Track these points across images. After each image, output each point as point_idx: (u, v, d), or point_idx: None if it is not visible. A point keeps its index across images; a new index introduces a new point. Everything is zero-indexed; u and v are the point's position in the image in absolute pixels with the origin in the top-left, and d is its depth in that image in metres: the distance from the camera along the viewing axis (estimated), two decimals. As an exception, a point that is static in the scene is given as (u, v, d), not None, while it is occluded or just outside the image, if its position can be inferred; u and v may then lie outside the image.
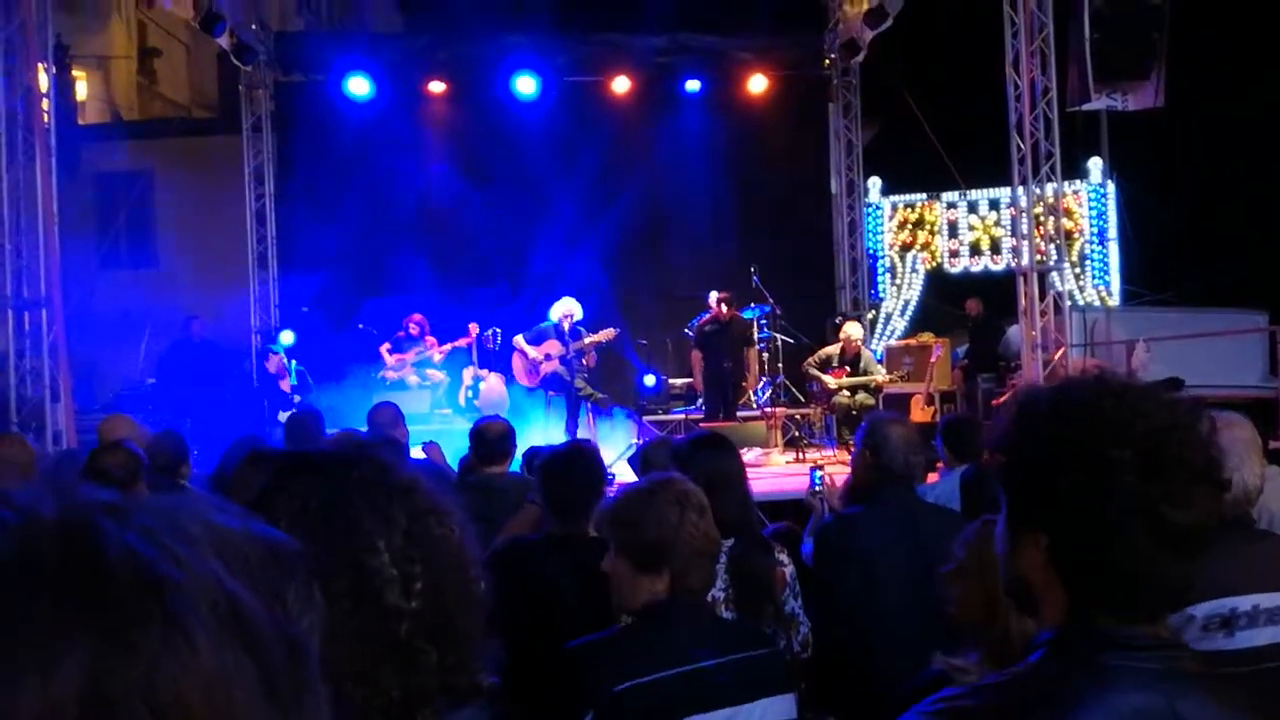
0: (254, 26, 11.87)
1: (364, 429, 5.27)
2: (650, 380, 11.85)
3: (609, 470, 3.59)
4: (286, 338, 11.41)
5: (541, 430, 9.20)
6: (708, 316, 10.58)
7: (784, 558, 3.27)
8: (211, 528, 0.51)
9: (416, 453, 5.50)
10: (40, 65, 8.15)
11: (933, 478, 4.86)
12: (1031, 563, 1.19)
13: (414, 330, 11.17)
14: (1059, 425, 1.18)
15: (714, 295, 10.81)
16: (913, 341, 11.82)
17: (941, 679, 1.92)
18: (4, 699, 0.42)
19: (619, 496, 2.37)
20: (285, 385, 10.80)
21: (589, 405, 9.95)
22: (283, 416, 10.30)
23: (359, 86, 12.22)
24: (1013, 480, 1.24)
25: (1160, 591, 1.16)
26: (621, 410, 10.48)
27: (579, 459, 3.27)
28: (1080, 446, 1.15)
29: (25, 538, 0.46)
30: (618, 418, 10.23)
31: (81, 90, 15.19)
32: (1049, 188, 9.39)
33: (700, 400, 11.08)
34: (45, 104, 8.19)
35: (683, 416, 10.98)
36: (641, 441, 8.07)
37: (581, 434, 9.11)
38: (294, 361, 11.11)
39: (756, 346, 11.27)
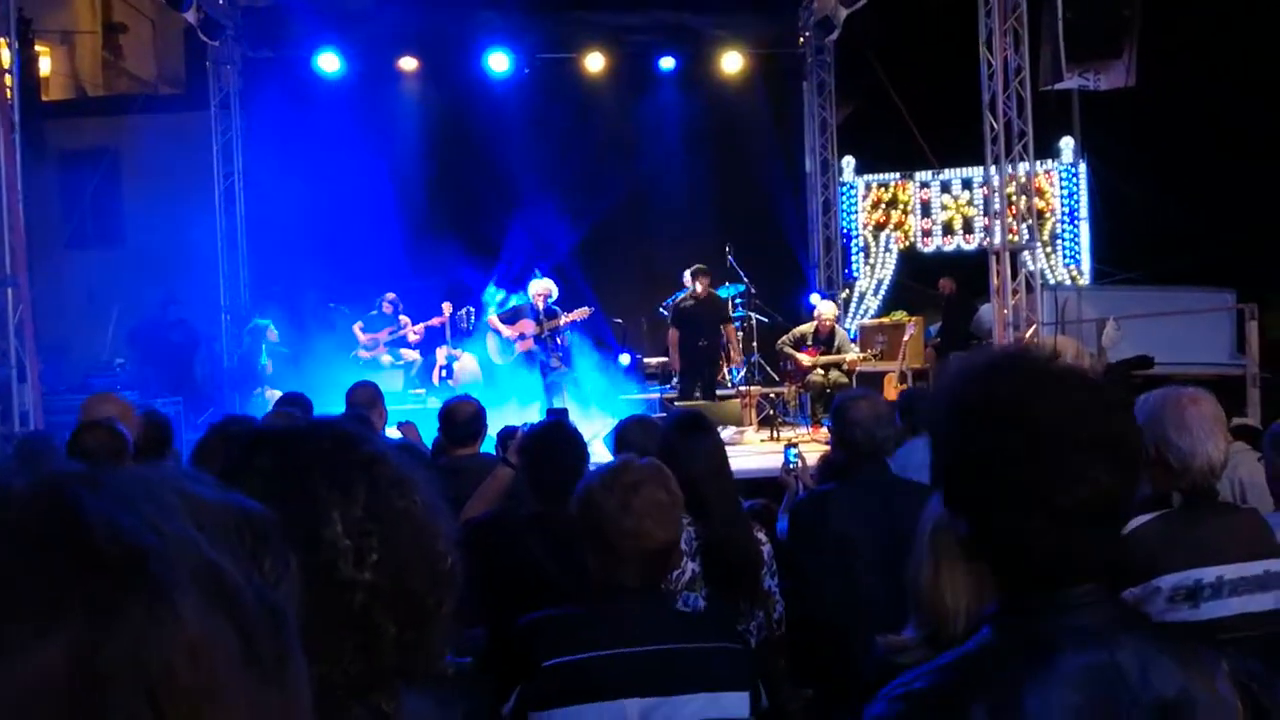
0: (221, 1, 11.68)
1: (340, 409, 5.23)
2: (625, 359, 11.84)
3: (588, 448, 3.58)
4: (258, 318, 11.29)
5: (516, 410, 9.18)
6: (685, 294, 10.50)
7: (762, 536, 3.29)
8: (187, 496, 0.50)
9: (392, 433, 5.47)
10: (2, 40, 7.99)
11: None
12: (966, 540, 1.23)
13: (387, 309, 11.11)
14: (957, 410, 1.22)
15: (689, 273, 10.79)
16: (886, 320, 11.88)
17: (883, 661, 1.95)
18: None
19: (583, 483, 2.35)
20: (263, 367, 10.68)
21: (563, 384, 9.94)
22: (269, 394, 10.21)
23: (329, 63, 12.08)
24: (935, 462, 1.28)
25: (1062, 564, 1.18)
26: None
27: (558, 437, 3.26)
28: (976, 428, 1.19)
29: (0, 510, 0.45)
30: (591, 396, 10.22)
31: (45, 66, 14.89)
32: (1021, 167, 9.44)
33: (675, 380, 11.01)
34: (8, 80, 8.03)
35: (658, 395, 10.99)
36: (616, 421, 8.06)
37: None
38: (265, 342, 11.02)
39: (734, 324, 11.19)
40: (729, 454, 3.50)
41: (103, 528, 0.45)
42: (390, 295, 11.14)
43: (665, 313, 11.04)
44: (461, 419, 4.56)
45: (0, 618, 0.42)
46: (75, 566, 0.44)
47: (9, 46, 8.14)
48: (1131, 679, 1.14)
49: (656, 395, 11.03)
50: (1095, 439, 1.15)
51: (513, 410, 8.99)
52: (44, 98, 13.97)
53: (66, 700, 0.41)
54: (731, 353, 10.81)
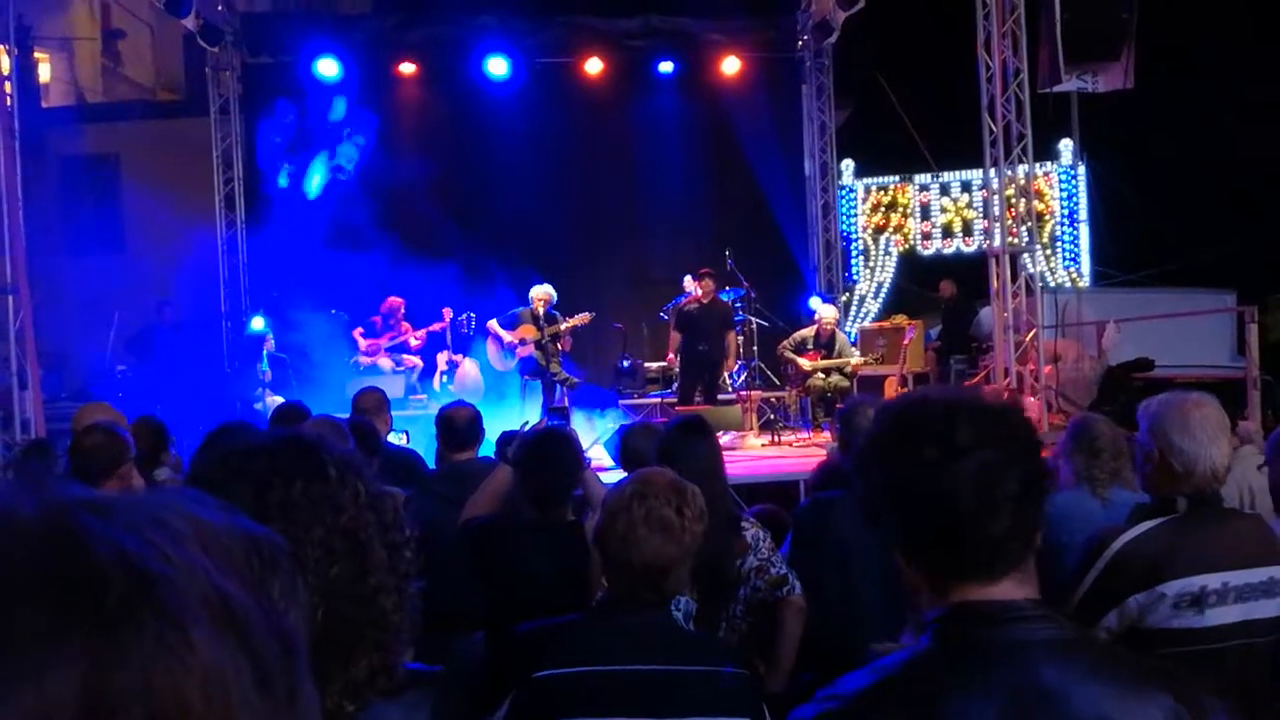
0: (220, 7, 11.69)
1: (343, 414, 5.23)
2: (625, 364, 11.83)
3: (585, 454, 3.58)
4: (257, 323, 11.29)
5: (516, 415, 9.18)
6: (689, 298, 10.46)
7: (747, 524, 3.29)
8: (196, 522, 0.50)
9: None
10: (1, 48, 7.99)
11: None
12: (904, 567, 1.26)
13: (387, 315, 11.10)
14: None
15: (689, 276, 10.78)
16: (886, 324, 11.88)
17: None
18: None
19: (607, 495, 2.32)
20: (262, 374, 10.69)
21: (564, 389, 9.94)
22: (269, 400, 10.21)
23: (328, 68, 12.08)
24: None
25: (977, 545, 1.20)
26: (597, 391, 10.43)
27: (554, 445, 3.25)
28: (887, 450, 1.26)
29: (6, 540, 0.44)
30: (593, 400, 10.21)
31: (45, 73, 14.91)
32: (1020, 169, 9.44)
33: (675, 384, 10.96)
34: (7, 87, 8.04)
35: (659, 400, 10.98)
36: (618, 425, 8.06)
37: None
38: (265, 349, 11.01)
39: (735, 331, 11.09)
40: (729, 459, 3.51)
41: (110, 554, 0.44)
42: (390, 301, 11.13)
43: (666, 317, 11.02)
44: (459, 425, 4.60)
45: (7, 648, 0.41)
46: (83, 594, 0.43)
47: (8, 54, 8.15)
48: (1053, 699, 1.11)
49: (657, 400, 11.02)
50: (1007, 492, 1.19)
51: (514, 415, 8.98)
52: (44, 105, 13.98)
53: None
54: (729, 360, 10.74)
